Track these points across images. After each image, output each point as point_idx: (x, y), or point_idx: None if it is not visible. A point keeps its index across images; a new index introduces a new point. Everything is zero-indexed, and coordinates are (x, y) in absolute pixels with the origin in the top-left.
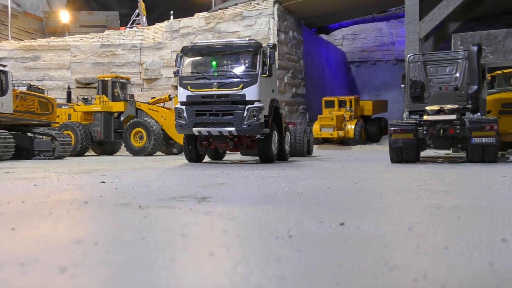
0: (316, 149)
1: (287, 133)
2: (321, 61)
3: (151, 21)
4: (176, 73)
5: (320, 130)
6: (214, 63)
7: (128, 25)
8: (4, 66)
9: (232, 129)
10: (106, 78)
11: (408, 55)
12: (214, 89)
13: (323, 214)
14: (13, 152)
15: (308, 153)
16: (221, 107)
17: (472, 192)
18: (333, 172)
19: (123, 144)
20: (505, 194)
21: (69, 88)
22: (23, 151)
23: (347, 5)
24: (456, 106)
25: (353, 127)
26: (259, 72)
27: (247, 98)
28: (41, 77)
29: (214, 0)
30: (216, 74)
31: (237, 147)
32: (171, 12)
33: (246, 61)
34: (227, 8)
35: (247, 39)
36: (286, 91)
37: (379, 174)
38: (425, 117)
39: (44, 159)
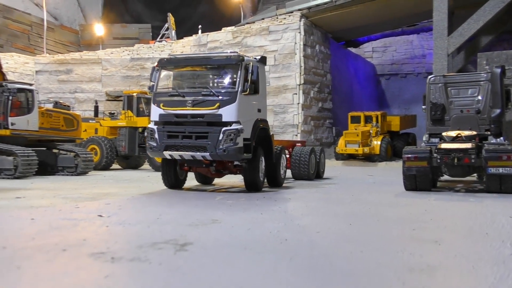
0: (340, 165)
1: (283, 155)
2: (349, 75)
3: (181, 34)
4: (151, 88)
5: (345, 146)
6: (192, 78)
7: (158, 39)
8: (31, 85)
9: (206, 154)
10: (131, 94)
11: (429, 77)
12: (188, 107)
13: (288, 276)
14: (37, 169)
15: (318, 175)
16: (195, 129)
17: (462, 244)
18: (333, 205)
19: (147, 159)
20: (495, 247)
21: (96, 103)
22: (48, 167)
23: (376, 19)
24: (474, 132)
25: (379, 143)
26: (239, 89)
27: (224, 119)
28: (73, 89)
29: (244, 14)
30: (190, 90)
31: (219, 172)
32: (199, 26)
33: (226, 77)
34: (254, 22)
35: (228, 51)
36: (312, 106)
37: (383, 209)
38: (439, 145)
39: (67, 175)
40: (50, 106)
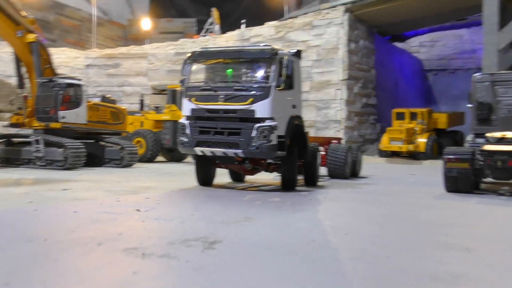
0: (383, 163)
1: (318, 154)
2: (394, 70)
3: (225, 29)
4: (182, 82)
5: (389, 143)
6: (228, 71)
7: (202, 34)
8: (79, 80)
9: (238, 151)
10: (175, 88)
11: (475, 75)
12: (220, 102)
13: (305, 280)
14: (85, 160)
15: (354, 174)
16: (227, 124)
17: (494, 253)
18: (368, 206)
19: None
20: None
21: (141, 96)
22: (95, 159)
23: (424, 13)
24: None
25: (424, 140)
26: (273, 84)
27: (257, 115)
28: (121, 83)
29: (288, 8)
30: (223, 85)
31: (252, 169)
32: (242, 21)
33: (260, 71)
34: (297, 17)
35: (262, 44)
36: (356, 101)
37: (418, 212)
38: (482, 147)
39: (114, 167)
40: (97, 100)
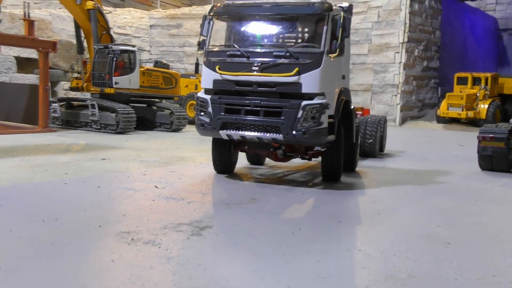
0: (441, 129)
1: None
2: (463, 31)
3: None
4: (201, 45)
5: (447, 109)
6: (258, 32)
7: None
8: (133, 46)
9: (279, 136)
10: None
11: None
12: (254, 73)
13: (275, 276)
14: (136, 124)
15: (381, 149)
16: (264, 102)
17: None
18: (395, 192)
19: None
20: None
21: (197, 59)
22: (147, 122)
23: None
24: None
25: (486, 107)
26: (325, 49)
27: (304, 90)
28: (182, 43)
29: None
30: (258, 50)
31: (288, 157)
32: None
33: (306, 32)
34: None
35: None
36: (415, 65)
37: (429, 196)
38: None
39: (164, 130)
40: (150, 65)
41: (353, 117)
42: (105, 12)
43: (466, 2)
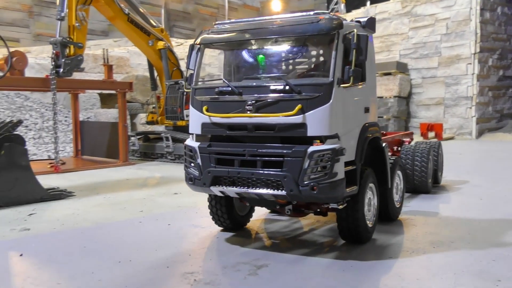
0: None
1: (399, 172)
2: None
3: (351, 7)
4: (189, 80)
5: None
6: (260, 58)
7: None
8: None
9: (281, 192)
10: None
11: None
12: (248, 113)
13: None
14: None
15: (436, 182)
16: (260, 149)
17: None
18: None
19: None
20: None
21: None
22: None
23: None
24: None
25: None
26: (336, 78)
27: (310, 133)
28: None
29: None
30: (251, 83)
31: (298, 212)
32: None
33: (312, 57)
34: None
35: (311, 12)
36: (490, 75)
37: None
38: None
39: None
40: None
41: (386, 157)
42: (177, 44)
43: None
